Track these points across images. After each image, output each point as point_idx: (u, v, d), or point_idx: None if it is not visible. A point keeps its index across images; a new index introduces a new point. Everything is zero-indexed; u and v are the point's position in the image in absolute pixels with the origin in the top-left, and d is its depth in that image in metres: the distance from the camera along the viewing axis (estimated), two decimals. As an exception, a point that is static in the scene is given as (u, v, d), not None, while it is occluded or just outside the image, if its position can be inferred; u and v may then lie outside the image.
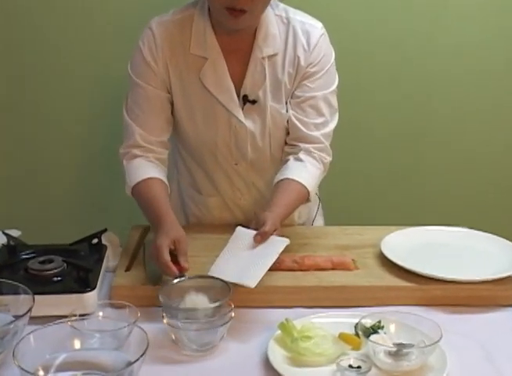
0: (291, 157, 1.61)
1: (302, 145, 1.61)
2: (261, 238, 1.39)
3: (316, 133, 1.60)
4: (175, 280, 1.31)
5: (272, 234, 1.40)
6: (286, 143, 1.65)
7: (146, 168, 1.57)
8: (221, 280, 1.29)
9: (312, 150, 1.60)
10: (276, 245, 1.39)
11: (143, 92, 1.57)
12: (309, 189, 1.56)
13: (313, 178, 1.59)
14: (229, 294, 1.25)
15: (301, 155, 1.60)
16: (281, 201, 1.50)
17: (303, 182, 1.55)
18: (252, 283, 1.29)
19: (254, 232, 1.40)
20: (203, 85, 1.57)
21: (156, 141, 1.60)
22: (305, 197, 1.58)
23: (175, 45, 1.56)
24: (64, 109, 2.25)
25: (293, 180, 1.55)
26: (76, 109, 2.25)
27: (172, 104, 1.61)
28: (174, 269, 1.33)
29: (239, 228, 1.43)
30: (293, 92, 1.60)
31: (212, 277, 1.31)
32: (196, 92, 1.59)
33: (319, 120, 1.60)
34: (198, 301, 1.24)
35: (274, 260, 1.35)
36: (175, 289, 1.28)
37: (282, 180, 1.56)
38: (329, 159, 1.63)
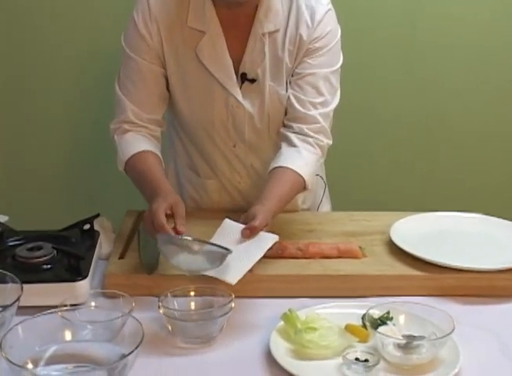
0: (284, 144, 1.58)
1: (297, 125, 1.58)
2: (250, 233, 1.35)
3: (313, 112, 1.58)
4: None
5: (262, 230, 1.37)
6: (283, 125, 1.64)
7: (139, 142, 1.57)
8: (221, 247, 1.28)
9: (307, 131, 1.57)
10: (264, 241, 1.35)
11: (136, 65, 1.57)
12: (305, 177, 1.53)
13: (309, 164, 1.55)
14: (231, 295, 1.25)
15: (295, 139, 1.57)
16: (273, 194, 1.47)
17: (297, 170, 1.52)
18: (233, 279, 1.27)
19: (242, 226, 1.37)
20: (200, 61, 1.57)
21: (148, 118, 1.60)
22: (301, 187, 1.54)
23: (172, 17, 1.55)
24: (50, 88, 2.25)
25: (286, 168, 1.52)
26: (63, 88, 2.25)
27: (167, 80, 1.61)
28: (170, 231, 1.32)
29: (226, 220, 1.41)
30: (294, 69, 1.60)
31: (211, 243, 1.30)
32: (192, 68, 1.58)
33: (318, 99, 1.58)
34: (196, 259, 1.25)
35: (259, 257, 1.33)
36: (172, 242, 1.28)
37: (275, 169, 1.53)
38: (326, 141, 1.60)
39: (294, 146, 1.56)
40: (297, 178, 1.53)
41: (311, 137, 1.58)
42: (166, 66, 1.59)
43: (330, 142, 1.62)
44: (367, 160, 2.40)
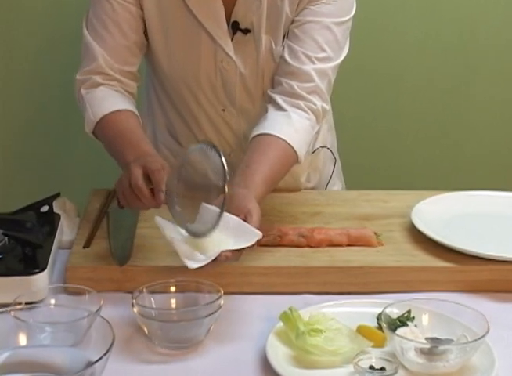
0: (270, 107, 1.57)
1: (286, 81, 1.57)
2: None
3: (307, 67, 1.56)
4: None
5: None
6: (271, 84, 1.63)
7: (114, 99, 1.57)
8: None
9: (297, 89, 1.55)
10: (244, 237, 1.32)
11: (108, 4, 1.56)
12: (296, 147, 1.51)
13: (300, 131, 1.54)
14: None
15: (282, 103, 1.55)
16: (260, 173, 1.44)
17: (286, 139, 1.50)
18: (193, 264, 1.27)
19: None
20: (185, 4, 1.56)
21: (121, 70, 1.59)
22: (293, 160, 1.53)
23: None
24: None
25: (273, 136, 1.50)
26: (17, 46, 2.24)
27: (145, 25, 1.60)
28: (148, 193, 1.31)
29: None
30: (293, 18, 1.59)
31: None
32: (175, 12, 1.57)
33: (317, 53, 1.57)
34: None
35: (228, 248, 1.29)
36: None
37: (258, 136, 1.51)
38: (320, 105, 1.57)
39: (283, 109, 1.56)
40: (287, 149, 1.51)
41: (303, 99, 1.56)
42: (143, 8, 1.58)
43: (327, 106, 1.61)
44: (386, 130, 2.42)
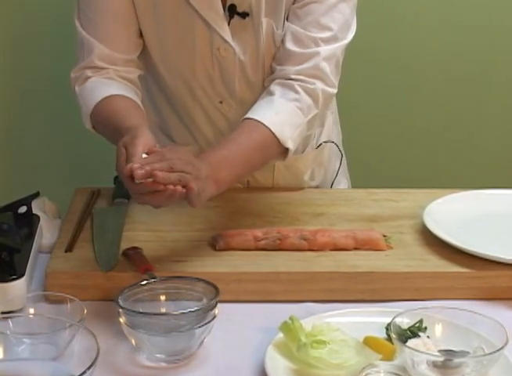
0: (263, 93, 1.58)
1: (284, 68, 1.57)
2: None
3: (311, 50, 1.56)
4: (144, 282, 1.31)
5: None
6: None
7: (105, 86, 1.57)
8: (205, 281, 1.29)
9: (295, 74, 1.55)
10: None
11: None
12: (276, 132, 1.50)
13: (281, 113, 1.52)
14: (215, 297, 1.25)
15: (273, 86, 1.56)
16: (219, 150, 1.45)
17: (261, 120, 1.49)
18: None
19: None
20: (176, -13, 1.57)
21: (124, 59, 1.60)
22: (273, 144, 1.51)
23: None
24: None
25: (249, 120, 1.51)
26: None
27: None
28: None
29: None
30: None
31: (192, 278, 1.31)
32: (166, -1, 1.58)
33: (321, 33, 1.57)
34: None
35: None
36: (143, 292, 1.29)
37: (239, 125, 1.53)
38: (320, 86, 1.56)
39: (270, 94, 1.56)
40: (263, 131, 1.50)
41: (298, 81, 1.56)
42: None
43: (331, 90, 1.59)
44: (395, 123, 2.42)
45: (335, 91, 1.60)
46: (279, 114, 1.53)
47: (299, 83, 1.55)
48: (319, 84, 1.57)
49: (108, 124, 1.52)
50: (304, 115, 1.56)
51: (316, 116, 1.59)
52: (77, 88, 1.61)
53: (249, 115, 1.53)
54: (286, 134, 1.52)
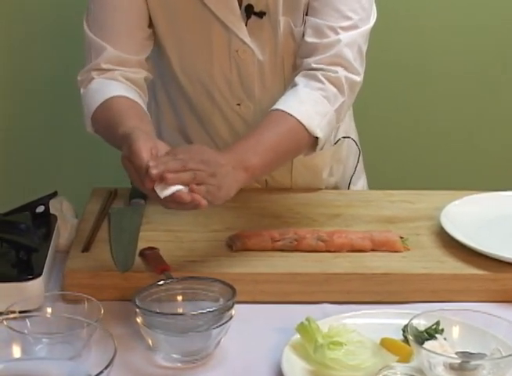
0: (289, 87, 1.58)
1: (307, 60, 1.56)
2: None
3: (331, 39, 1.55)
4: (161, 282, 1.31)
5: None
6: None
7: (109, 87, 1.56)
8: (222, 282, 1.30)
9: (317, 63, 1.54)
10: None
11: None
12: (303, 120, 1.48)
13: (305, 102, 1.51)
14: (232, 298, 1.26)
15: (297, 79, 1.55)
16: (246, 140, 1.44)
17: (287, 110, 1.48)
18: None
19: None
20: (191, -11, 1.57)
21: (129, 60, 1.59)
22: (300, 132, 1.50)
23: None
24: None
25: (275, 111, 1.50)
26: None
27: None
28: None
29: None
30: None
31: (208, 278, 1.31)
32: (181, 0, 1.57)
33: (342, 23, 1.56)
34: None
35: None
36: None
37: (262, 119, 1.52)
38: (343, 73, 1.54)
39: (295, 85, 1.55)
40: (288, 120, 1.49)
41: (321, 70, 1.54)
42: None
43: (356, 77, 1.57)
44: (411, 123, 2.41)
45: (359, 78, 1.58)
46: (305, 103, 1.52)
47: (321, 72, 1.54)
48: (342, 72, 1.55)
49: (106, 133, 1.52)
50: (331, 104, 1.54)
51: (344, 104, 1.56)
52: (82, 91, 1.60)
53: (274, 107, 1.52)
54: (313, 122, 1.51)
